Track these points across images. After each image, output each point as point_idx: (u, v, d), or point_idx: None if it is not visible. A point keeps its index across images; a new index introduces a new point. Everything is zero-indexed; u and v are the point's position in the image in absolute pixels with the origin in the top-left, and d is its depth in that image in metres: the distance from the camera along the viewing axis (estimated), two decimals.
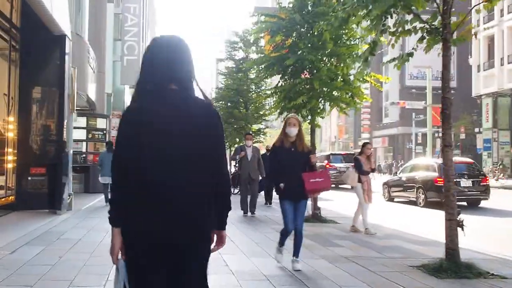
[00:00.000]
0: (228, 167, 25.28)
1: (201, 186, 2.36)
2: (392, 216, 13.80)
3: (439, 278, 5.93)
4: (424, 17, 7.03)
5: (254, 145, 14.01)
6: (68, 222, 10.23)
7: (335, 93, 11.71)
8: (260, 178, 13.03)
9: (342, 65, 11.15)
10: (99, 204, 14.04)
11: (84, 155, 20.08)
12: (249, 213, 12.58)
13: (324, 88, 11.25)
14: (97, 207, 13.51)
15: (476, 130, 44.57)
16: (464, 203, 16.21)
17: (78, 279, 5.42)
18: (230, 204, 2.61)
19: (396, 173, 21.89)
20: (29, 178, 11.21)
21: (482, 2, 6.83)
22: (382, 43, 7.47)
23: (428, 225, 11.74)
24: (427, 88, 39.63)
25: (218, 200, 2.49)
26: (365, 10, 6.82)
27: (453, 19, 6.87)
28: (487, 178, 16.55)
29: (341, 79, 11.42)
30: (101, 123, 21.21)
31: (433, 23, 6.87)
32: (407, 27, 6.96)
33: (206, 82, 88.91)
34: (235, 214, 12.86)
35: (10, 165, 10.77)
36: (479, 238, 9.58)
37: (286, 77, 12.17)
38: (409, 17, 6.92)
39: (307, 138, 7.71)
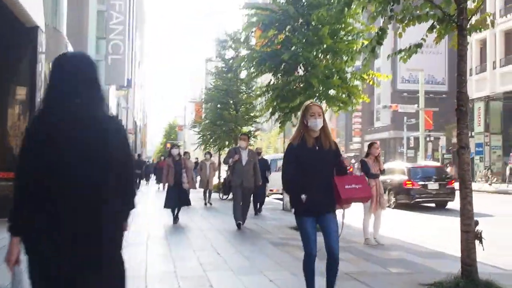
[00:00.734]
0: (217, 173, 24.47)
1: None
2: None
3: None
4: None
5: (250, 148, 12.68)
6: None
7: (331, 92, 10.92)
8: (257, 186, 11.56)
9: (338, 61, 10.35)
10: None
11: None
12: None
13: (321, 87, 10.43)
14: None
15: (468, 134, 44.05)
16: (433, 205, 17.65)
17: None
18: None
19: None
20: None
21: None
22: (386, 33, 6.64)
23: (413, 228, 11.91)
24: (420, 91, 39.07)
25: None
26: None
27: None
28: (453, 182, 16.98)
29: (338, 77, 10.62)
30: None
31: (444, 9, 6.09)
32: (416, 13, 6.17)
33: (198, 82, 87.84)
34: (222, 223, 12.02)
35: None
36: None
37: (279, 74, 11.36)
38: (419, 1, 6.13)
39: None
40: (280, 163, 20.77)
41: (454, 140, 46.08)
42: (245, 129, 22.91)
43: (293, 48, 10.79)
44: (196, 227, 11.34)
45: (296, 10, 10.44)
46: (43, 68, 10.65)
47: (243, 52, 16.67)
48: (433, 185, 17.22)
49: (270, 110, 11.72)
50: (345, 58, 10.80)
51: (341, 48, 10.46)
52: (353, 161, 46.84)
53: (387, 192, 17.34)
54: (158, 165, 30.15)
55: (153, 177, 37.61)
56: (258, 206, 14.31)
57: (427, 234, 10.77)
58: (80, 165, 2.39)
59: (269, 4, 11.66)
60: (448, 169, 32.43)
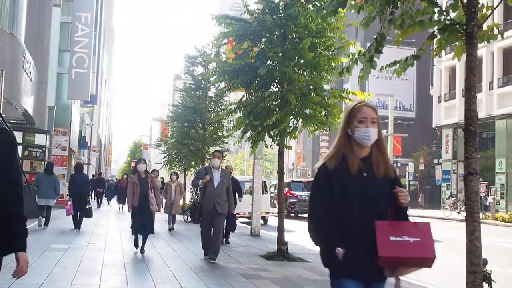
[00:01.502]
0: (188, 193, 23.32)
1: None
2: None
3: None
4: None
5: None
6: None
7: (307, 111, 10.12)
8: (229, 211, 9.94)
9: (318, 76, 9.59)
10: (33, 228, 11.84)
11: None
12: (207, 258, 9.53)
13: (299, 104, 9.62)
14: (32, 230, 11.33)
15: (435, 161, 44.25)
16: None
17: None
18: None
19: None
20: None
21: None
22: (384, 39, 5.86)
23: None
24: (389, 117, 38.90)
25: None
26: None
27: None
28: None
29: (316, 94, 9.84)
30: (40, 139, 18.98)
31: (447, 16, 5.35)
32: (418, 18, 5.40)
33: (166, 100, 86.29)
34: (187, 251, 10.97)
35: None
36: None
37: (252, 90, 10.51)
38: (420, 5, 5.38)
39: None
40: (247, 186, 19.81)
41: (422, 166, 46.20)
42: (212, 149, 21.94)
43: (268, 62, 10.01)
44: (158, 254, 10.26)
45: (273, 20, 9.66)
46: None
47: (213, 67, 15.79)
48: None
49: (242, 128, 10.79)
50: (324, 74, 10.12)
51: (320, 64, 9.69)
52: None
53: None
54: (120, 184, 28.72)
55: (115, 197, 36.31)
56: (227, 234, 12.40)
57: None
58: None
59: (243, 15, 10.86)
60: (420, 198, 32.04)
